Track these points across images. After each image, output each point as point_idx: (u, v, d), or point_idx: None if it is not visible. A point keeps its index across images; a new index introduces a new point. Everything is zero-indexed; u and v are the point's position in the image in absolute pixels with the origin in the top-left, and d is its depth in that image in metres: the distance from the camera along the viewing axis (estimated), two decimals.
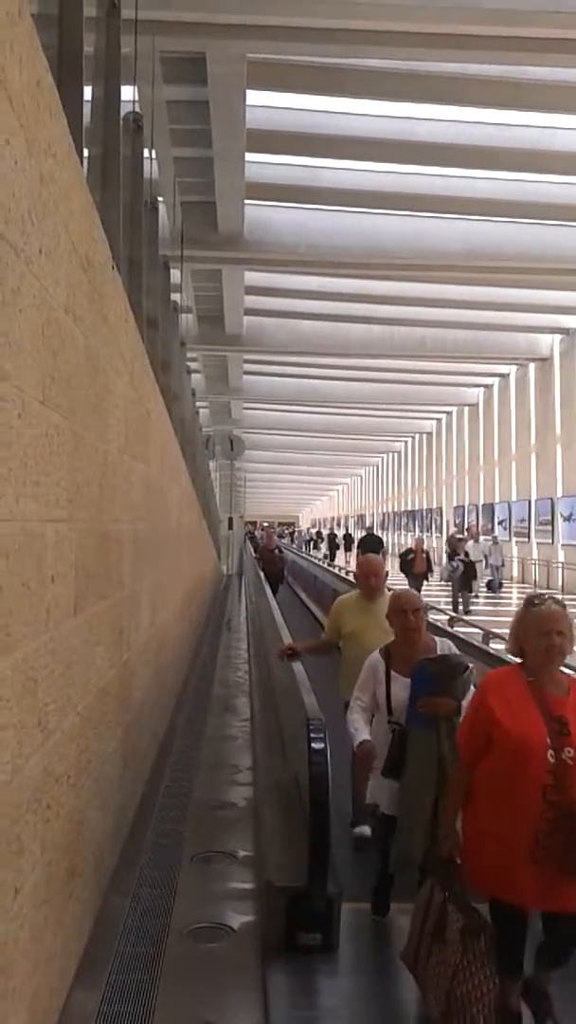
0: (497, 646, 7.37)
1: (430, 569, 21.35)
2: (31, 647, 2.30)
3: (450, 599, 18.70)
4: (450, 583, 19.46)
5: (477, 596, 19.93)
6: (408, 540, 44.59)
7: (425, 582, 20.30)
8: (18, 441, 2.15)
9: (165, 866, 3.77)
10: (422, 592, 18.04)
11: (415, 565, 19.85)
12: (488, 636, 8.25)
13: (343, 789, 4.30)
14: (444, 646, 3.74)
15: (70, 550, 2.80)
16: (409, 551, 20.72)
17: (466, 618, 12.69)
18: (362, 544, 27.66)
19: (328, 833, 3.17)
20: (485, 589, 23.01)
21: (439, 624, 9.16)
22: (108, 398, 3.62)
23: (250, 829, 4.21)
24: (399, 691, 3.52)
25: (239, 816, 4.43)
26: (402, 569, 19.94)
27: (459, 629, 9.39)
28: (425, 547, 21.76)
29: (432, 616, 9.18)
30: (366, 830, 4.34)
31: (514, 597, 22.47)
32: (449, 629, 8.88)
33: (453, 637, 7.27)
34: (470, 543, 22.43)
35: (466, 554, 19.54)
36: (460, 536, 24.89)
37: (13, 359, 2.10)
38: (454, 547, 21.16)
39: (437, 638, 3.81)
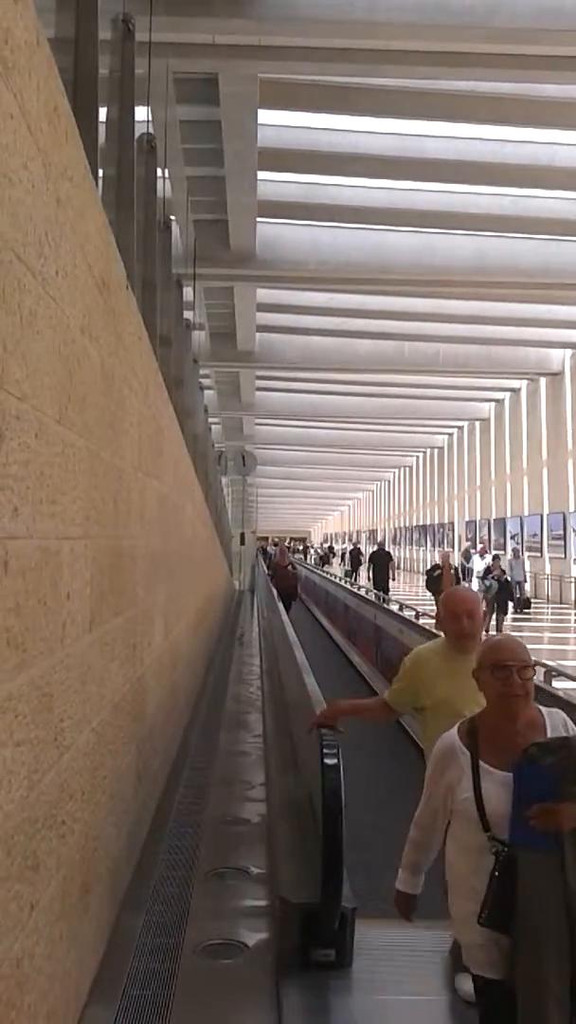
0: (563, 685, 6.24)
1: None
2: (47, 663, 2.32)
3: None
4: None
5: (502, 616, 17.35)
6: (422, 556, 44.55)
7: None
8: (35, 460, 2.18)
9: (179, 882, 3.78)
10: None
11: (442, 583, 17.92)
12: (550, 674, 6.48)
13: (356, 805, 4.29)
14: (556, 720, 2.50)
15: (85, 567, 2.83)
16: (436, 567, 19.26)
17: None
18: (372, 559, 27.90)
19: (341, 849, 3.17)
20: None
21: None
22: (123, 416, 3.66)
23: (263, 845, 4.20)
24: (496, 793, 2.35)
25: (252, 832, 4.43)
26: (428, 588, 18.84)
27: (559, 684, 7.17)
28: (454, 562, 20.43)
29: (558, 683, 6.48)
30: (469, 987, 2.65)
31: (548, 616, 21.38)
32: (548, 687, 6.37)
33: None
34: (476, 558, 21.95)
35: (502, 571, 17.65)
36: (491, 551, 23.44)
37: (31, 380, 2.13)
38: (486, 563, 19.37)
39: (543, 708, 2.54)
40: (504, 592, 17.09)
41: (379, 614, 13.99)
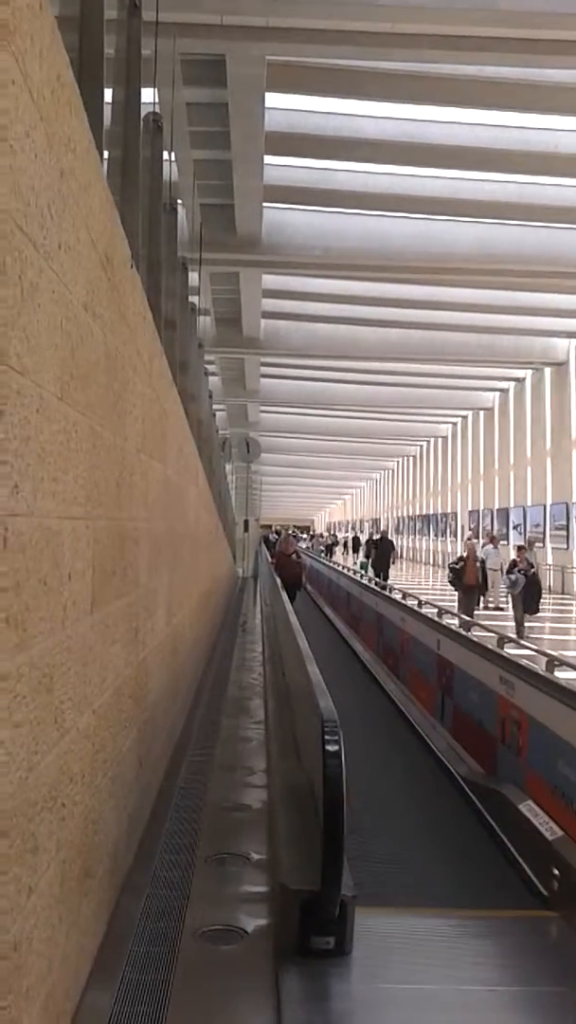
0: (566, 675, 6.14)
1: (486, 581, 17.57)
2: (48, 644, 2.29)
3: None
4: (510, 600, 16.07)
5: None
6: (425, 545, 44.40)
7: (482, 598, 17.37)
8: (36, 437, 2.14)
9: (179, 867, 3.76)
10: (477, 613, 15.86)
11: (466, 576, 16.32)
12: (552, 663, 6.51)
13: (358, 792, 4.28)
14: None
15: (87, 548, 2.79)
16: (460, 560, 17.08)
17: (521, 640, 10.55)
18: (376, 546, 28.64)
19: (342, 836, 3.15)
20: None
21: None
22: (126, 396, 3.62)
23: (264, 831, 4.18)
24: None
25: (253, 818, 4.41)
26: (451, 582, 17.04)
27: (511, 650, 7.26)
28: (480, 554, 17.98)
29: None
30: None
31: (550, 607, 20.37)
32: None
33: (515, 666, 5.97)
34: (487, 547, 20.44)
35: (529, 564, 15.68)
36: (521, 539, 22.02)
37: (31, 355, 2.09)
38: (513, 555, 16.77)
39: None
40: (532, 588, 14.97)
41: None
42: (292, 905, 3.19)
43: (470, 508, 36.61)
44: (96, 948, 2.95)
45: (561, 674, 6.33)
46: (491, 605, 19.56)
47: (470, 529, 33.45)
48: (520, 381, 29.98)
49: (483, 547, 20.98)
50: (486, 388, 32.50)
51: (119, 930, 3.15)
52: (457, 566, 16.67)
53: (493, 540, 22.61)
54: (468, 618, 12.19)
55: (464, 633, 8.40)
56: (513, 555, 16.96)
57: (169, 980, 2.85)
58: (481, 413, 34.73)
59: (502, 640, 7.83)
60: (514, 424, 30.84)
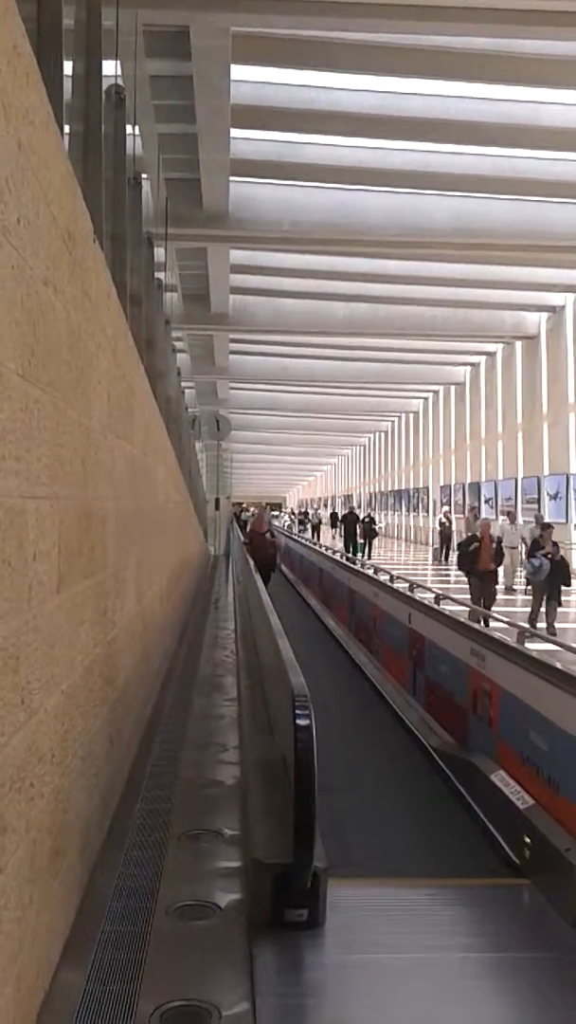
0: (537, 646, 5.81)
1: (500, 564, 14.10)
2: (13, 625, 2.27)
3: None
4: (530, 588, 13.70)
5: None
6: (397, 520, 44.49)
7: (496, 586, 14.10)
8: None
9: (152, 845, 3.76)
10: (495, 605, 13.04)
11: (479, 559, 13.28)
12: (523, 635, 6.11)
13: (328, 766, 4.30)
14: None
15: (53, 527, 2.77)
16: (472, 539, 13.80)
17: (547, 636, 8.76)
18: (343, 521, 29.82)
19: (314, 810, 3.17)
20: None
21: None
22: (90, 374, 3.58)
23: (237, 807, 4.20)
24: None
25: (226, 794, 4.43)
26: (461, 567, 14.10)
27: (532, 645, 6.14)
28: (495, 531, 14.82)
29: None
30: None
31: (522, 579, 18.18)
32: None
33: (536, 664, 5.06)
34: (502, 522, 18.07)
35: (556, 546, 12.97)
36: (541, 517, 18.30)
37: None
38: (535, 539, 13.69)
39: None
40: (559, 574, 12.62)
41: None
42: (265, 879, 3.21)
43: (442, 483, 36.76)
44: (68, 927, 2.96)
45: (532, 645, 6.39)
46: (504, 585, 16.94)
47: (445, 504, 33.42)
48: (491, 356, 30.05)
49: (499, 523, 19.20)
50: (457, 363, 32.53)
51: (92, 908, 3.16)
52: (470, 548, 13.50)
53: (510, 515, 20.23)
54: (485, 611, 10.89)
55: (436, 608, 8.42)
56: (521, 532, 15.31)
57: (142, 957, 2.86)
58: (452, 388, 34.79)
59: (530, 635, 6.65)
60: (485, 398, 30.94)
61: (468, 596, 13.03)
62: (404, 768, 7.06)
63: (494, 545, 13.58)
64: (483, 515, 27.53)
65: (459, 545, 15.25)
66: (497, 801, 5.18)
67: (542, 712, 4.89)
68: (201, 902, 3.26)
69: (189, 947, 2.96)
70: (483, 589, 13.27)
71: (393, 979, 3.10)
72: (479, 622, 8.69)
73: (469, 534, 15.17)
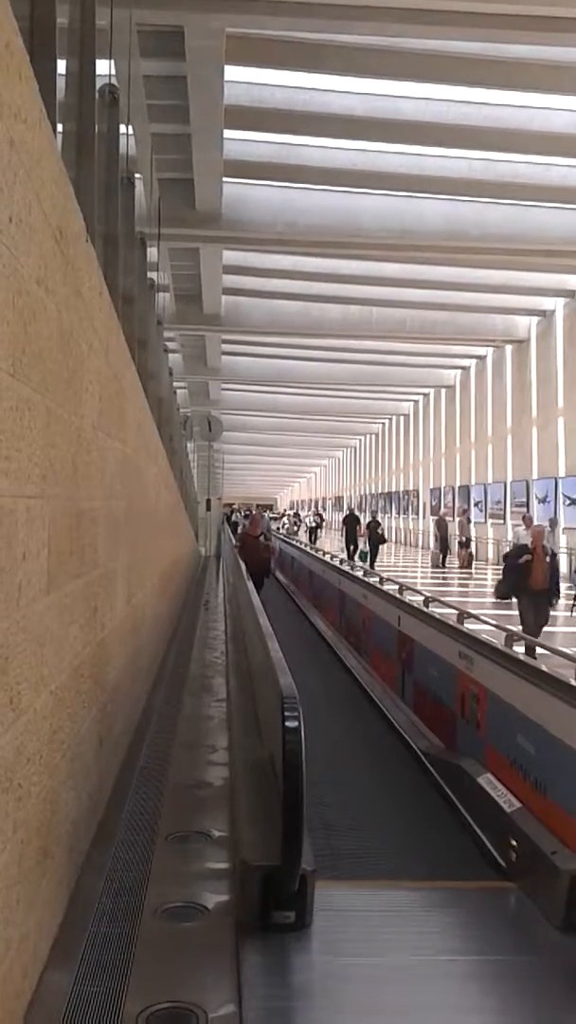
0: (474, 626, 5.68)
1: (557, 582, 11.25)
2: (2, 625, 2.27)
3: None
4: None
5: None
6: (388, 523, 44.35)
7: (551, 606, 11.29)
8: None
9: (140, 846, 3.76)
10: (543, 627, 10.94)
11: (532, 576, 10.85)
12: (511, 638, 5.63)
13: (317, 768, 4.30)
14: None
15: (43, 527, 2.76)
16: (523, 550, 11.43)
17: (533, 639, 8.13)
18: (343, 522, 29.91)
19: (302, 812, 3.17)
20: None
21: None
22: (82, 373, 3.57)
23: (225, 809, 4.19)
24: None
25: (215, 796, 4.42)
26: (504, 584, 11.71)
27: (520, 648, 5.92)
28: (547, 544, 11.73)
29: None
30: None
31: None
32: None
33: None
34: (519, 530, 15.87)
35: (552, 553, 11.47)
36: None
37: None
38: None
39: None
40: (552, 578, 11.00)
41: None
42: (253, 880, 3.21)
43: (432, 486, 36.81)
44: (56, 927, 2.95)
45: (520, 648, 6.38)
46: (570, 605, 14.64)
47: (446, 507, 33.25)
48: (482, 359, 30.12)
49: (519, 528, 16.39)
50: (448, 366, 32.62)
51: (79, 909, 3.15)
52: (520, 561, 11.04)
53: (526, 520, 17.43)
54: (535, 639, 8.70)
55: (425, 610, 8.41)
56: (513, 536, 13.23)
57: (129, 958, 2.85)
58: (443, 391, 34.86)
59: (518, 638, 6.20)
60: (475, 402, 31.00)
61: (461, 600, 12.87)
62: (392, 771, 7.06)
63: (547, 558, 11.10)
64: (473, 518, 27.63)
65: (505, 557, 12.71)
66: (484, 804, 5.18)
67: (529, 715, 4.90)
68: (189, 903, 3.25)
69: (176, 949, 2.96)
70: (536, 611, 10.93)
71: (380, 981, 3.10)
72: (530, 654, 7.62)
73: (518, 544, 13.10)
